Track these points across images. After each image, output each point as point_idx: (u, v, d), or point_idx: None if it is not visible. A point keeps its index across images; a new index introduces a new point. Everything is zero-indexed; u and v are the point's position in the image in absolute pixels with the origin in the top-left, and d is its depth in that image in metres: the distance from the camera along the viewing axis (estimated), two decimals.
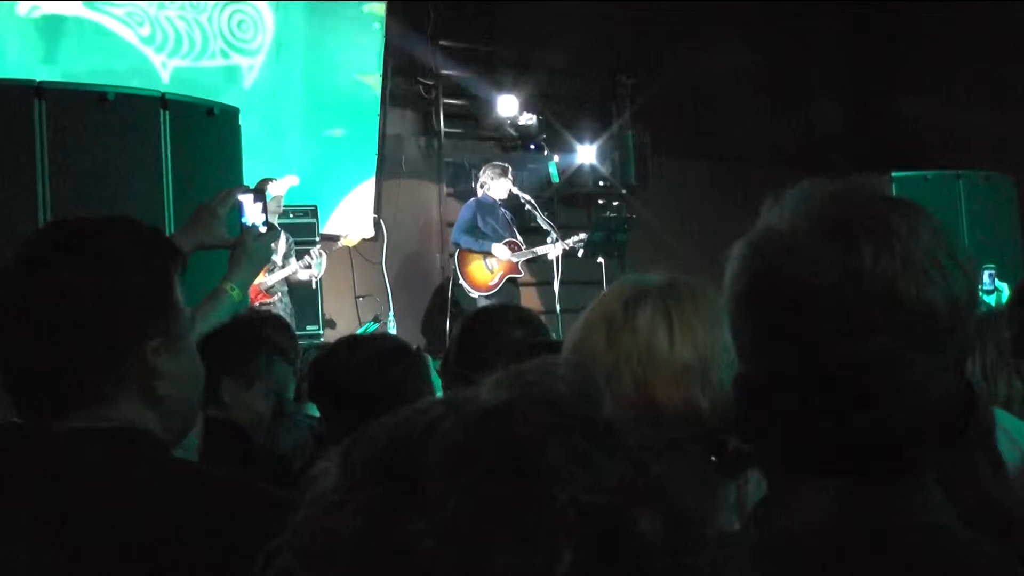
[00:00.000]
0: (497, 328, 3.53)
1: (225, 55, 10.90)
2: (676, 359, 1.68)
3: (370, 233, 10.38)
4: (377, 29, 11.95)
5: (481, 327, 3.61)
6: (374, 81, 11.95)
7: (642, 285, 1.77)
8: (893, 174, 9.91)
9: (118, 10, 10.37)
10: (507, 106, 12.32)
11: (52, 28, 10.01)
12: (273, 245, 9.64)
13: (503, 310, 4.03)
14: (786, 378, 1.37)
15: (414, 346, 3.95)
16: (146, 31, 10.47)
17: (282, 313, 9.12)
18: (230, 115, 7.05)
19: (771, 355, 1.39)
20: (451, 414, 0.89)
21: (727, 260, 1.45)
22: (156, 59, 10.53)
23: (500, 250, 10.87)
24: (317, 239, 10.66)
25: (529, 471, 0.85)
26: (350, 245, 10.37)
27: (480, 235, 10.94)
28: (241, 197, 3.48)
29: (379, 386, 3.29)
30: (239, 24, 10.99)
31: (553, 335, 9.98)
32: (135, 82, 9.77)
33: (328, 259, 10.05)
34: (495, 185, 11.01)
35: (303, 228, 10.30)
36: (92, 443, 1.83)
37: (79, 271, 1.86)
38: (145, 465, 1.86)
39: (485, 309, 3.90)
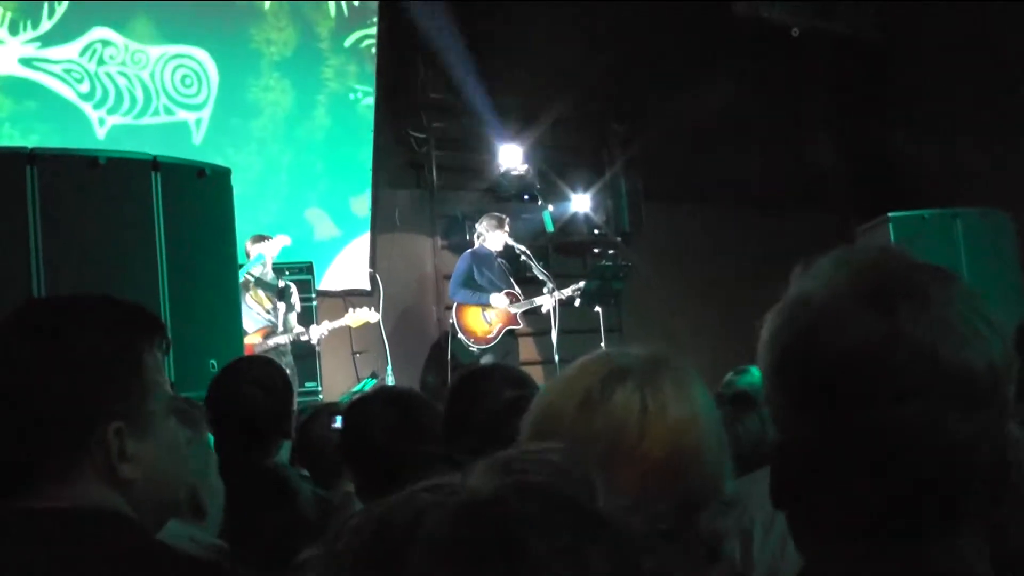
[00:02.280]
0: (486, 389, 3.52)
1: (169, 111, 10.85)
2: (644, 452, 1.62)
3: (375, 318, 10.33)
4: (368, 84, 11.94)
5: (470, 388, 3.60)
6: (366, 135, 11.92)
7: (622, 363, 1.70)
8: (890, 214, 9.86)
9: (55, 67, 10.32)
10: (509, 156, 12.32)
11: None
12: (279, 304, 9.67)
13: (492, 370, 4.00)
14: (824, 444, 1.36)
15: None
16: (85, 88, 10.43)
17: None
18: (221, 176, 7.01)
19: (808, 421, 1.38)
20: (437, 504, 0.88)
21: (761, 326, 1.44)
22: (94, 115, 10.47)
23: (498, 299, 10.84)
24: (313, 295, 10.65)
25: (514, 567, 0.84)
26: (353, 326, 10.32)
27: (477, 287, 10.91)
28: None
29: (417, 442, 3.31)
30: (183, 79, 10.94)
31: None
32: (70, 138, 9.88)
33: (326, 319, 10.10)
34: (491, 236, 10.99)
35: (299, 285, 10.26)
36: (45, 523, 1.78)
37: (37, 347, 1.83)
38: (102, 546, 1.79)
39: (473, 370, 3.88)
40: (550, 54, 12.44)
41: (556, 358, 10.91)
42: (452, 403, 3.60)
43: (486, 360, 10.73)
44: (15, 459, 1.82)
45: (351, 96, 11.93)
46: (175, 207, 6.47)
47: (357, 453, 3.70)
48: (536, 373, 11.82)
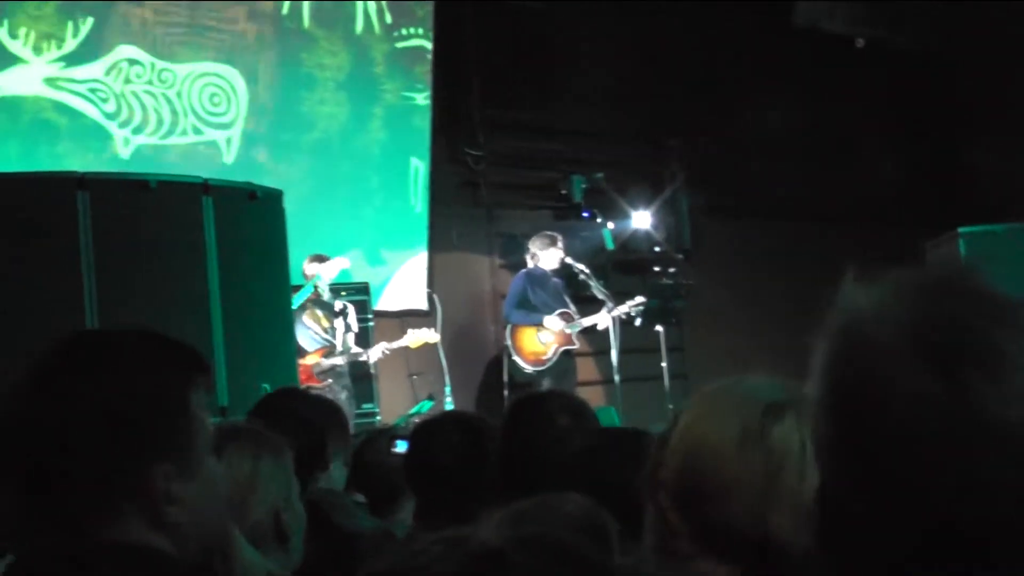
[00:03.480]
0: (543, 414, 3.47)
1: (197, 131, 10.81)
2: (804, 493, 1.53)
3: (434, 338, 10.28)
4: (423, 104, 11.89)
5: (527, 413, 3.56)
6: (422, 153, 11.88)
7: (772, 397, 1.63)
8: (961, 229, 9.52)
9: (81, 87, 10.30)
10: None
11: (10, 109, 9.99)
12: (336, 325, 9.66)
13: (548, 397, 3.94)
14: (863, 493, 1.25)
15: None
16: (110, 107, 10.40)
17: (336, 397, 9.08)
18: (273, 198, 6.97)
19: (852, 466, 1.26)
20: (445, 557, 0.88)
21: (811, 354, 1.32)
22: (120, 135, 10.43)
23: (552, 322, 10.73)
24: (370, 316, 10.63)
25: None
26: (412, 347, 10.26)
27: (531, 308, 10.81)
28: None
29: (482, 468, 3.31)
30: (211, 97, 10.92)
31: (614, 407, 9.89)
32: (96, 158, 9.88)
33: (383, 339, 10.07)
34: (544, 255, 10.91)
35: (356, 305, 10.23)
36: (86, 561, 1.75)
37: (86, 385, 1.80)
38: None
39: (529, 397, 3.82)
40: (608, 68, 12.36)
41: (616, 378, 10.81)
42: (506, 431, 3.53)
43: (544, 381, 10.65)
44: (58, 499, 1.78)
45: (406, 114, 11.87)
46: (226, 230, 6.43)
47: (422, 477, 3.66)
48: (596, 393, 11.73)
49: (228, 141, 10.93)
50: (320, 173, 11.39)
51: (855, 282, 1.31)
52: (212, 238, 6.35)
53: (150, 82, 10.53)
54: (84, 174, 6.47)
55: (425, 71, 11.92)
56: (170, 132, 10.62)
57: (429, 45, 11.93)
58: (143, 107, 10.49)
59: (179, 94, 10.68)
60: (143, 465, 1.79)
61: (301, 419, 4.08)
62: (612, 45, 12.32)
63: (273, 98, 11.23)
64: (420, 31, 11.91)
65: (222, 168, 10.43)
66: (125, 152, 10.37)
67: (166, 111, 10.58)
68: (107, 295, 5.97)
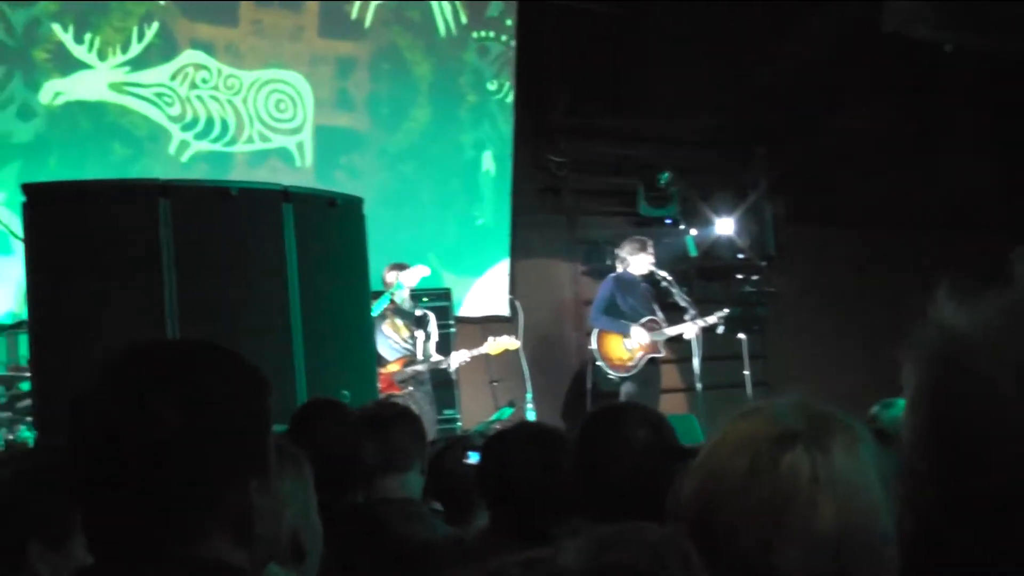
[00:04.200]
0: (619, 429, 3.41)
1: (264, 138, 10.88)
2: (813, 526, 1.47)
3: (515, 345, 10.26)
4: (504, 109, 11.89)
5: (603, 427, 3.48)
6: (504, 160, 11.89)
7: (789, 424, 1.57)
8: None
9: (146, 91, 10.37)
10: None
11: (74, 114, 10.08)
12: (417, 333, 9.67)
13: (626, 409, 3.86)
14: (970, 529, 1.21)
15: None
16: (175, 111, 10.46)
17: (417, 404, 9.10)
18: (353, 205, 6.99)
19: (956, 504, 1.23)
20: None
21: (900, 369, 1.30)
22: (184, 139, 10.49)
23: (637, 333, 10.64)
24: (452, 322, 10.64)
25: None
26: (493, 354, 10.24)
27: (619, 314, 10.75)
28: None
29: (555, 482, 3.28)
30: (277, 104, 10.96)
31: (695, 415, 9.80)
32: (157, 164, 9.93)
33: (464, 346, 10.06)
34: (635, 261, 10.81)
35: (438, 312, 10.24)
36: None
37: (179, 402, 1.77)
38: None
39: (607, 408, 3.77)
40: (691, 74, 12.27)
41: (698, 386, 10.73)
42: (580, 444, 3.47)
43: (627, 388, 10.61)
44: (148, 516, 1.76)
45: (487, 120, 11.88)
46: (306, 237, 6.46)
47: (493, 491, 3.63)
48: (677, 400, 11.66)
49: (299, 146, 10.98)
50: (400, 179, 11.42)
51: (950, 299, 1.25)
52: (292, 245, 6.39)
53: (216, 87, 10.62)
54: (166, 181, 6.53)
55: (506, 77, 11.92)
56: (235, 138, 10.71)
57: (506, 49, 11.93)
58: (208, 112, 10.58)
59: (245, 100, 10.76)
60: (240, 480, 1.80)
61: (336, 433, 4.07)
62: (696, 50, 12.23)
63: (345, 104, 11.28)
64: (491, 34, 11.91)
65: (289, 175, 10.47)
66: (188, 157, 10.48)
67: (231, 117, 10.67)
68: (187, 302, 6.02)
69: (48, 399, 5.95)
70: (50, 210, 6.12)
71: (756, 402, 1.71)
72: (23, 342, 8.73)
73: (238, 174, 10.04)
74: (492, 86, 11.90)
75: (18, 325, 8.56)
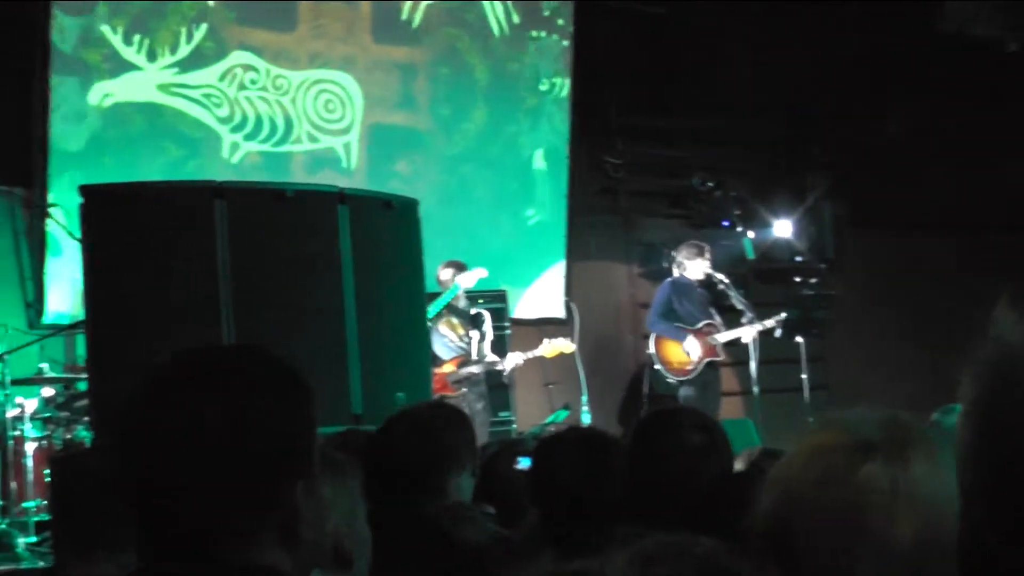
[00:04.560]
0: (672, 433, 3.44)
1: (313, 139, 10.88)
2: (890, 538, 1.44)
3: (570, 348, 10.22)
4: (560, 110, 11.86)
5: (655, 432, 3.52)
6: (559, 161, 11.86)
7: (867, 435, 1.53)
8: None
9: (194, 92, 10.41)
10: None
11: (126, 116, 10.14)
12: (472, 333, 9.67)
13: (679, 413, 3.88)
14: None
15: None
16: (223, 112, 10.51)
17: (470, 405, 9.11)
18: (409, 207, 6.97)
19: (1006, 518, 1.18)
20: None
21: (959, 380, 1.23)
22: (231, 139, 10.57)
23: (692, 343, 10.58)
24: (507, 324, 10.62)
25: None
26: (548, 356, 10.20)
27: (675, 318, 10.69)
28: None
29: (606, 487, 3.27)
30: (326, 104, 10.96)
31: (752, 420, 9.74)
32: (207, 166, 10.00)
33: (519, 348, 10.04)
34: (691, 265, 10.74)
35: (493, 314, 10.22)
36: None
37: (225, 411, 1.80)
38: None
39: (659, 412, 3.75)
40: (749, 75, 12.19)
41: (755, 389, 10.64)
42: (633, 450, 3.49)
43: (685, 392, 10.58)
44: (199, 520, 1.78)
45: (543, 121, 11.87)
46: (362, 239, 6.45)
47: (544, 495, 3.61)
48: (734, 404, 11.60)
49: (346, 147, 11.00)
50: (457, 180, 11.43)
51: (1010, 309, 1.21)
52: (347, 247, 6.38)
53: (264, 88, 10.66)
54: (222, 183, 6.54)
55: (562, 77, 11.90)
56: (284, 139, 10.75)
57: (561, 49, 11.91)
58: (257, 113, 10.63)
59: (293, 100, 10.79)
60: (288, 484, 1.82)
61: (429, 440, 4.05)
62: (753, 51, 12.16)
63: (399, 104, 11.30)
64: (544, 34, 11.89)
65: (336, 176, 10.55)
66: (237, 158, 10.54)
67: (280, 117, 10.70)
68: (243, 303, 6.03)
69: (104, 400, 5.98)
70: (107, 211, 6.14)
71: (833, 413, 1.67)
72: (80, 342, 8.81)
73: (288, 175, 10.08)
74: (547, 87, 11.89)
75: (75, 325, 8.63)
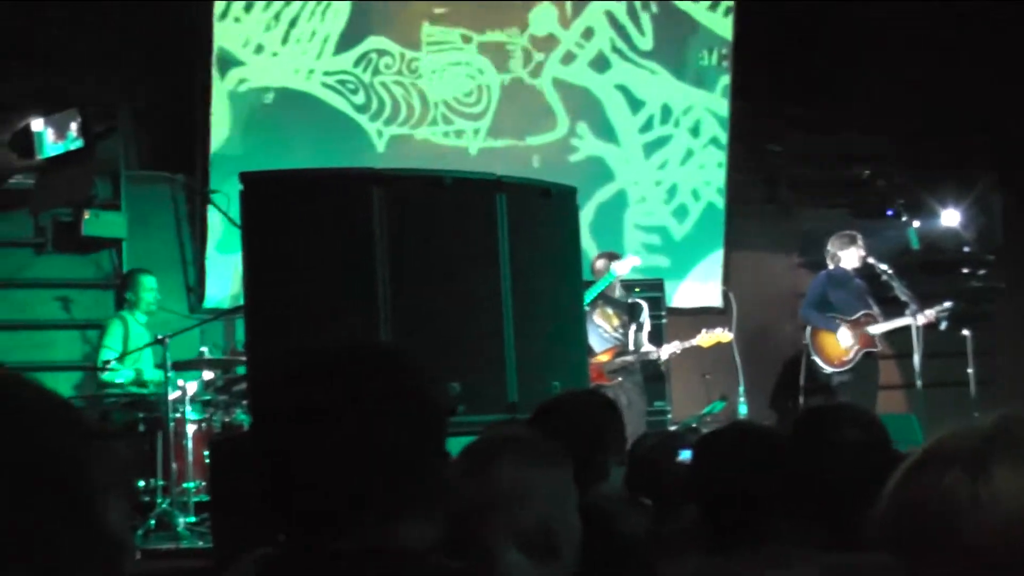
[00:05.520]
0: (832, 429, 3.40)
1: (448, 121, 10.81)
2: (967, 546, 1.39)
3: (727, 338, 10.05)
4: (722, 97, 11.68)
5: (815, 427, 3.48)
6: (719, 149, 11.68)
7: (957, 439, 1.48)
8: None
9: (330, 79, 10.43)
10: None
11: (258, 100, 10.21)
12: (627, 321, 9.58)
13: (838, 410, 3.81)
14: None
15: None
16: (360, 99, 10.51)
17: (626, 395, 9.03)
18: (567, 196, 6.87)
19: None
20: None
21: None
22: (371, 127, 10.59)
23: (845, 334, 10.35)
24: (663, 313, 10.50)
25: None
26: (704, 346, 10.04)
27: (830, 308, 10.47)
28: None
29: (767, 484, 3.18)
30: (462, 88, 10.87)
31: (915, 415, 9.52)
32: (348, 152, 10.08)
33: (676, 337, 9.93)
34: (844, 255, 10.55)
35: (649, 303, 10.10)
36: (387, 564, 1.85)
37: (388, 393, 1.92)
38: None
39: (818, 408, 3.66)
40: (913, 62, 11.88)
41: (918, 383, 10.36)
42: (793, 445, 3.39)
43: (842, 383, 10.35)
44: (344, 501, 1.86)
45: (702, 109, 11.69)
46: (519, 227, 6.37)
47: (703, 489, 3.53)
48: (896, 398, 11.34)
49: (475, 132, 10.92)
50: (613, 168, 11.31)
51: None
52: (505, 235, 6.31)
53: (400, 72, 10.62)
54: (380, 170, 6.53)
55: (724, 65, 11.71)
56: (419, 123, 10.74)
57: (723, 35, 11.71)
58: (393, 98, 10.62)
59: (429, 84, 10.75)
60: (441, 462, 1.98)
61: (580, 430, 4.00)
62: (917, 37, 11.83)
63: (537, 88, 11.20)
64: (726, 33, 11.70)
65: (467, 160, 10.55)
66: (376, 142, 10.59)
67: (415, 101, 10.69)
68: (400, 291, 6.00)
69: (261, 384, 6.00)
70: (266, 199, 6.17)
71: (978, 416, 1.58)
72: (240, 327, 8.92)
73: (424, 160, 10.05)
74: (710, 75, 11.70)
75: (235, 310, 8.74)
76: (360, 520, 1.85)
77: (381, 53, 10.56)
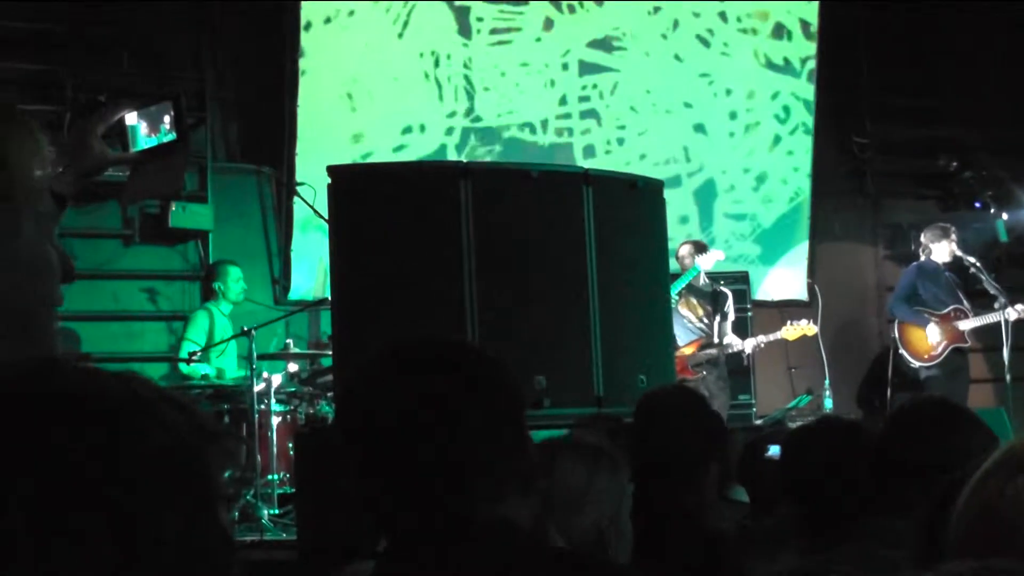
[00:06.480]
0: (923, 425, 3.35)
1: (511, 112, 10.76)
2: None
3: (812, 331, 9.98)
4: (807, 89, 11.59)
5: (906, 422, 3.42)
6: (806, 142, 11.60)
7: None
8: None
9: (398, 70, 10.44)
10: None
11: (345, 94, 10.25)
12: (712, 313, 9.54)
13: (930, 404, 3.69)
14: None
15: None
16: (431, 90, 10.52)
17: (709, 389, 9.00)
18: (654, 189, 6.85)
19: None
20: None
21: None
22: (441, 117, 10.54)
23: (934, 330, 10.25)
24: (748, 306, 10.46)
25: None
26: (789, 339, 9.99)
27: (919, 302, 10.38)
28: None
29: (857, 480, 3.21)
30: (529, 79, 10.84)
31: (1005, 409, 9.39)
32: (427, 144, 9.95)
33: (760, 330, 9.88)
34: (936, 248, 10.44)
35: (734, 295, 10.05)
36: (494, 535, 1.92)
37: (477, 385, 2.02)
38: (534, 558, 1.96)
39: (909, 404, 3.62)
40: (1000, 53, 11.72)
41: (1007, 377, 10.23)
42: (883, 441, 3.40)
43: (931, 378, 10.26)
44: (450, 486, 1.92)
45: (789, 100, 11.62)
46: (606, 220, 6.35)
47: (793, 485, 3.54)
48: (985, 392, 11.22)
49: (544, 123, 10.88)
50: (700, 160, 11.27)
51: None
52: (591, 228, 6.29)
53: (465, 65, 10.65)
54: (468, 163, 6.53)
55: (810, 55, 11.62)
56: (490, 114, 10.70)
57: (808, 25, 11.62)
58: (465, 88, 10.61)
59: (503, 74, 10.74)
60: (517, 450, 2.02)
61: (682, 430, 4.02)
62: (1005, 28, 11.66)
63: (622, 76, 11.16)
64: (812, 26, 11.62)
65: (546, 150, 10.52)
66: (454, 135, 10.51)
67: (488, 92, 10.69)
68: (487, 285, 6.00)
69: (349, 377, 6.02)
70: (353, 191, 6.20)
71: None
72: (325, 319, 8.97)
73: (495, 152, 10.03)
74: (796, 65, 11.62)
75: (320, 302, 8.80)
76: (468, 500, 1.91)
77: (453, 44, 10.61)
